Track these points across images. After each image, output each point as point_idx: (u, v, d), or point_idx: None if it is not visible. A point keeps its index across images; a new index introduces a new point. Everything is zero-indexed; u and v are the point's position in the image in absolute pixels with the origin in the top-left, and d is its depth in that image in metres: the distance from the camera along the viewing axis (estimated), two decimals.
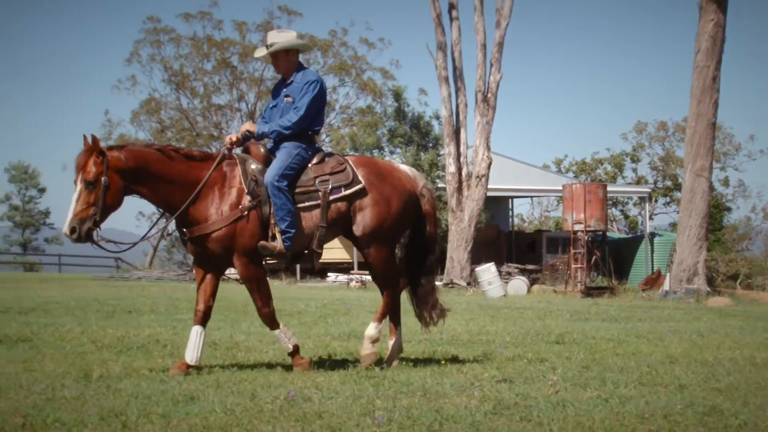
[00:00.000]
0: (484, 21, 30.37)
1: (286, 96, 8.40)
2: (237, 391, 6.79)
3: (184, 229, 8.03)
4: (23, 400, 6.34)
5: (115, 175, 7.68)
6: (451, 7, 30.43)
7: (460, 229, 29.40)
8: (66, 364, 8.30)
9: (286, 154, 8.15)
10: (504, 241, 38.92)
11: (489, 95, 29.77)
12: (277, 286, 29.33)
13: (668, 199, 57.84)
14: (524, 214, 62.86)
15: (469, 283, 27.85)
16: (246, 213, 7.94)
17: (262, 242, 7.97)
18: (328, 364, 8.51)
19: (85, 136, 7.71)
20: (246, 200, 7.96)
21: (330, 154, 8.53)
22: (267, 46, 8.47)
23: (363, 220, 8.29)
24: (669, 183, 57.79)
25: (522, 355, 9.24)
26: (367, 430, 5.54)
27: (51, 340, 10.37)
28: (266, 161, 8.17)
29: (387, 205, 8.35)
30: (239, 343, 10.14)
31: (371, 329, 8.51)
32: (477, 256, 30.04)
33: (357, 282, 28.28)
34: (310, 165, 8.27)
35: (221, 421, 5.73)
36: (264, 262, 8.29)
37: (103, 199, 7.60)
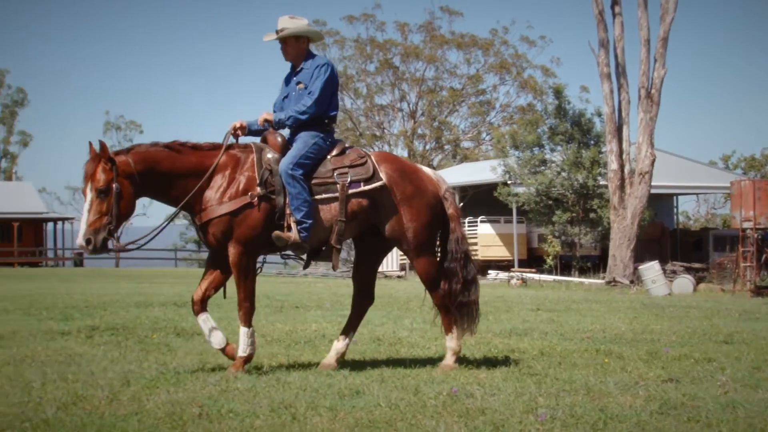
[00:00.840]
0: (648, 16, 29.63)
1: (298, 83, 8.08)
2: (401, 386, 6.85)
3: (196, 220, 7.79)
4: (199, 391, 6.58)
5: (126, 180, 7.40)
6: (614, 3, 29.79)
7: (622, 227, 28.74)
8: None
9: (302, 143, 7.84)
10: (668, 239, 37.92)
11: (653, 91, 28.99)
12: None
13: None
14: (689, 211, 60.99)
15: (632, 282, 27.19)
16: (254, 201, 7.60)
17: (277, 232, 7.62)
18: (489, 361, 8.48)
19: (91, 143, 7.45)
20: (256, 188, 7.63)
21: (351, 147, 8.23)
22: (277, 31, 8.07)
23: (390, 225, 7.95)
24: None
25: (688, 355, 8.96)
26: (530, 427, 5.49)
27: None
28: (283, 150, 7.84)
29: (411, 208, 7.98)
30: (402, 339, 10.22)
31: (449, 342, 8.18)
32: (640, 255, 29.30)
33: (518, 279, 28.08)
34: (329, 157, 7.95)
35: (386, 415, 5.79)
36: (279, 255, 8.19)
37: (117, 206, 7.33)
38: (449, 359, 8.10)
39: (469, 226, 36.03)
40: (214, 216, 7.60)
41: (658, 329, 11.93)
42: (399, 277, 32.79)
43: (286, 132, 8.08)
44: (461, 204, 36.68)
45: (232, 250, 7.66)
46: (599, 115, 34.43)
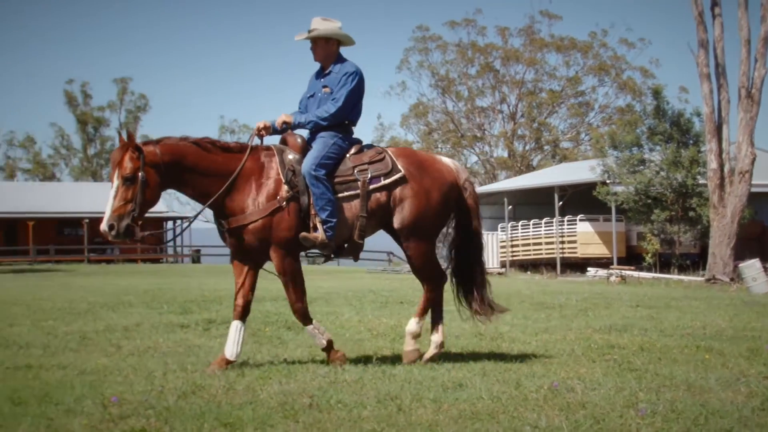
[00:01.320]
0: (748, 16, 28.89)
1: (324, 86, 7.89)
2: (502, 380, 6.79)
3: (222, 221, 7.61)
4: (309, 382, 6.63)
5: (151, 169, 7.28)
6: (714, 4, 29.09)
7: (722, 225, 28.03)
8: (346, 350, 8.59)
9: (322, 143, 7.69)
10: None
11: (753, 91, 28.23)
12: (538, 280, 29.16)
13: None
14: None
15: (732, 279, 26.50)
16: (284, 204, 7.48)
17: (303, 233, 7.52)
18: (589, 356, 8.35)
19: (119, 132, 7.47)
20: (284, 190, 7.50)
21: (369, 146, 8.02)
22: (309, 31, 7.89)
23: (402, 212, 7.77)
24: None
25: None
26: (630, 422, 5.37)
27: (332, 327, 10.77)
28: (303, 151, 7.70)
29: (427, 197, 7.82)
30: (503, 334, 10.15)
31: (412, 325, 8.06)
32: (740, 252, 28.54)
33: (617, 277, 27.62)
34: (348, 155, 7.80)
35: (488, 407, 5.74)
36: (305, 254, 7.97)
37: (142, 194, 7.20)
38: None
39: (568, 225, 35.62)
40: (247, 222, 7.47)
41: (759, 326, 11.55)
42: (499, 274, 32.57)
43: (305, 133, 7.96)
44: (560, 203, 36.30)
45: (275, 255, 7.59)
46: (698, 114, 33.75)
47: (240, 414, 5.43)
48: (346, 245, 7.83)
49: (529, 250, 36.73)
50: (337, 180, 7.62)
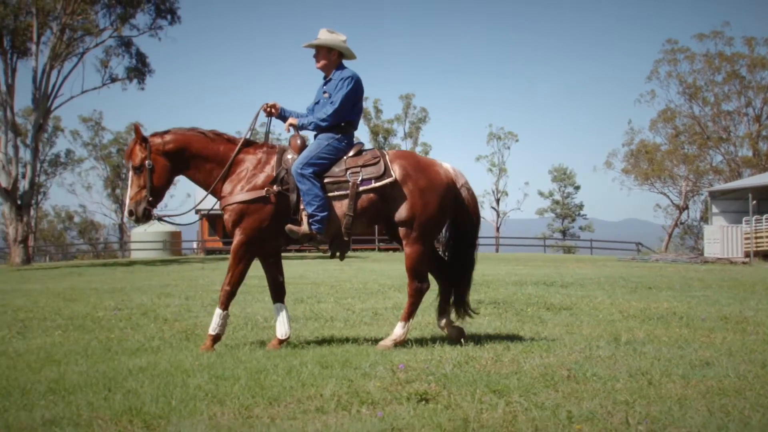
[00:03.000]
0: None
1: (325, 92, 7.51)
2: (748, 360, 6.38)
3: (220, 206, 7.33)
4: (566, 356, 6.55)
5: (159, 157, 7.19)
6: None
7: None
8: (599, 329, 8.43)
9: (316, 144, 7.31)
10: None
11: None
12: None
13: None
14: None
15: None
16: (271, 196, 7.15)
17: (289, 225, 7.16)
18: None
19: (136, 126, 7.38)
20: (274, 187, 7.17)
21: (369, 149, 7.49)
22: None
23: (399, 213, 7.22)
24: None
25: None
26: None
27: (587, 309, 10.58)
28: (301, 152, 7.34)
29: (422, 199, 7.21)
30: (748, 318, 9.50)
31: (399, 329, 7.32)
32: None
33: None
34: (345, 157, 7.34)
35: (735, 384, 5.42)
36: (300, 246, 7.48)
37: (150, 180, 7.14)
38: (388, 340, 7.27)
39: None
40: (229, 203, 7.22)
41: None
42: (744, 263, 30.50)
43: (310, 134, 7.64)
44: None
45: (236, 238, 7.24)
46: None
47: (506, 382, 5.46)
48: (336, 239, 7.43)
49: None
50: (328, 180, 7.25)
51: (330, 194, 7.22)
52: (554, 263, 28.09)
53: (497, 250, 55.13)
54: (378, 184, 7.23)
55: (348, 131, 7.50)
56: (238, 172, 7.33)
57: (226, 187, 7.31)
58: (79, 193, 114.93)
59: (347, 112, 7.43)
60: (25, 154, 40.17)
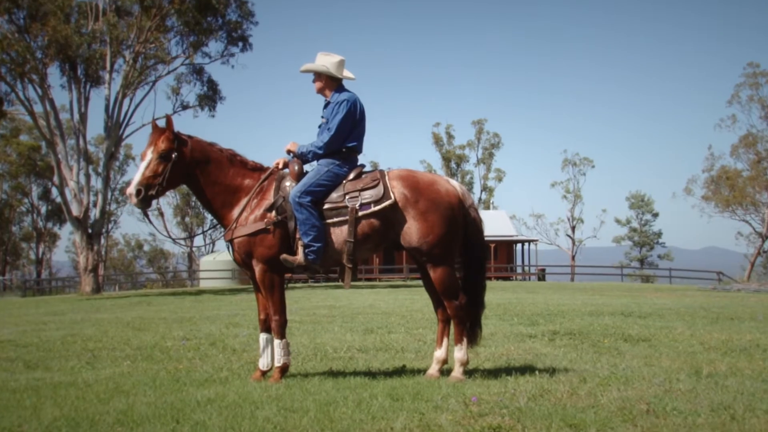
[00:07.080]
0: None
1: (322, 117, 7.45)
2: None
3: (225, 236, 7.33)
4: (645, 390, 6.45)
5: (182, 155, 7.23)
6: None
7: None
8: (679, 362, 8.27)
9: (315, 172, 7.24)
10: None
11: None
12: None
13: None
14: None
15: None
16: (270, 227, 7.12)
17: (284, 255, 7.10)
18: None
19: (168, 117, 7.43)
20: (272, 215, 7.14)
21: (369, 172, 7.34)
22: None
23: (405, 237, 7.10)
24: None
25: None
26: None
27: (666, 340, 10.39)
28: (298, 179, 7.27)
29: (426, 222, 7.06)
30: None
31: (458, 353, 7.22)
32: None
33: None
34: (344, 182, 7.23)
35: None
36: (290, 274, 7.36)
37: (171, 171, 7.15)
38: (458, 371, 7.16)
39: None
40: (236, 237, 7.24)
41: None
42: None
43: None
44: None
45: (256, 269, 7.25)
46: None
47: (583, 416, 5.42)
48: (337, 267, 7.35)
49: None
50: (327, 207, 7.19)
51: (329, 221, 7.19)
52: (632, 293, 27.64)
53: (572, 279, 54.51)
54: (377, 207, 7.15)
55: (350, 156, 7.45)
56: (243, 201, 7.37)
57: (231, 218, 7.36)
58: (148, 222, 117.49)
59: (345, 137, 7.36)
60: (97, 183, 41.17)
